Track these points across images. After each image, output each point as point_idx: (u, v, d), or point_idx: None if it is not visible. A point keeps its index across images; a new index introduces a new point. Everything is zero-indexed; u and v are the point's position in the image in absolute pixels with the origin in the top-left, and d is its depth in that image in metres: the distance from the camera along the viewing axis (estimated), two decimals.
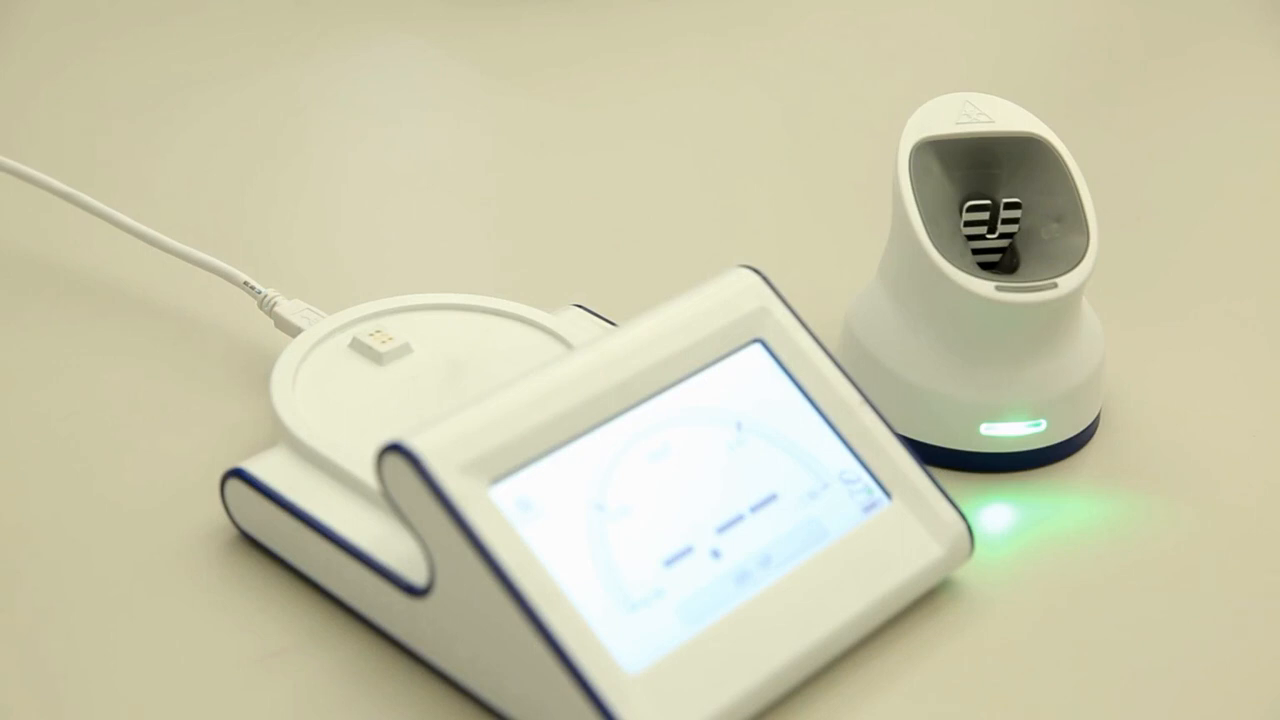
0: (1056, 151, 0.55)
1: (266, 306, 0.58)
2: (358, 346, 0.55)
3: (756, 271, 0.51)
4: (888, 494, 0.50)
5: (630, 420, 0.48)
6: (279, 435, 0.52)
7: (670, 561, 0.46)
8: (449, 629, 0.46)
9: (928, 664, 0.49)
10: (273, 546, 0.51)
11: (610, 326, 0.57)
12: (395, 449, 0.44)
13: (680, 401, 0.49)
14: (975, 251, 0.55)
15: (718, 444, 0.49)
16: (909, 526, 0.50)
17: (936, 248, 0.53)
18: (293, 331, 0.56)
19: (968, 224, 0.55)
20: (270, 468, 0.50)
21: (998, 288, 0.52)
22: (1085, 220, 0.54)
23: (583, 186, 0.71)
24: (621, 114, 0.77)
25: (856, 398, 0.51)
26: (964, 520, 0.50)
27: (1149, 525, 0.54)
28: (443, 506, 0.44)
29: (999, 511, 0.54)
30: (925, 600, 0.50)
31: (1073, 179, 0.55)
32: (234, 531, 0.51)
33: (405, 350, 0.55)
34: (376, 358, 0.54)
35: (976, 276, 0.53)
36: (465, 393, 0.53)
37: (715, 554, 0.47)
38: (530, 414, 0.46)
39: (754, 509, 0.48)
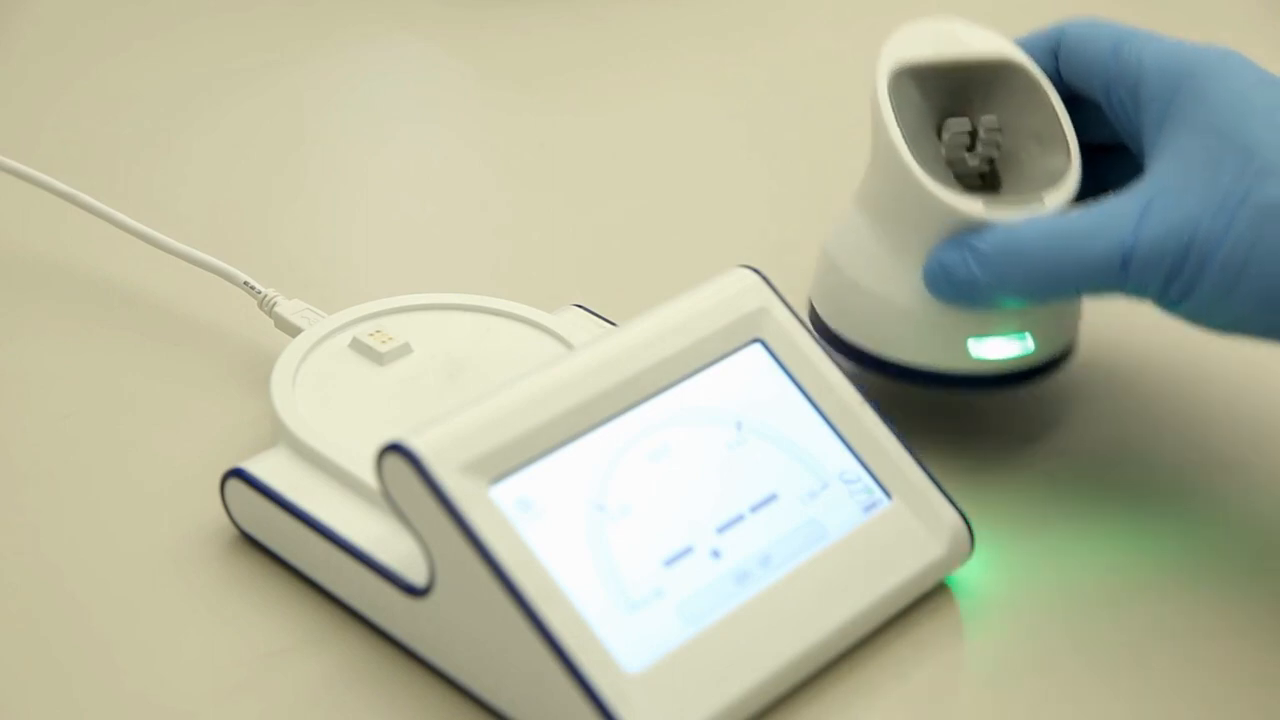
0: (1033, 75, 0.55)
1: (266, 306, 0.58)
2: (358, 346, 0.55)
3: (756, 271, 0.51)
4: (888, 494, 0.50)
5: (630, 420, 0.48)
6: (279, 435, 0.52)
7: (670, 561, 0.46)
8: (449, 629, 0.46)
9: (927, 664, 0.49)
10: (273, 546, 0.51)
11: (610, 326, 0.57)
12: (395, 449, 0.44)
13: (680, 401, 0.49)
14: (955, 176, 0.54)
15: (718, 444, 0.49)
16: (909, 526, 0.50)
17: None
18: (293, 331, 0.56)
19: (947, 147, 0.54)
20: (270, 468, 0.50)
21: (987, 205, 0.52)
22: (1065, 139, 0.54)
23: (582, 186, 0.71)
24: (621, 114, 0.77)
25: (857, 398, 0.51)
26: (964, 520, 0.50)
27: (1149, 525, 0.54)
28: (443, 506, 0.44)
29: (999, 511, 0.54)
30: (925, 600, 0.50)
31: (1050, 100, 0.54)
32: (234, 531, 0.51)
33: (405, 350, 0.55)
34: (376, 358, 0.54)
35: (959, 195, 0.52)
36: (465, 393, 0.53)
37: (715, 554, 0.47)
38: (530, 414, 0.46)
39: (754, 509, 0.48)
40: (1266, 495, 0.55)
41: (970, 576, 0.51)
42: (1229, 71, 0.51)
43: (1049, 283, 0.51)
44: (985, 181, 0.55)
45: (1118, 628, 0.50)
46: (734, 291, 0.51)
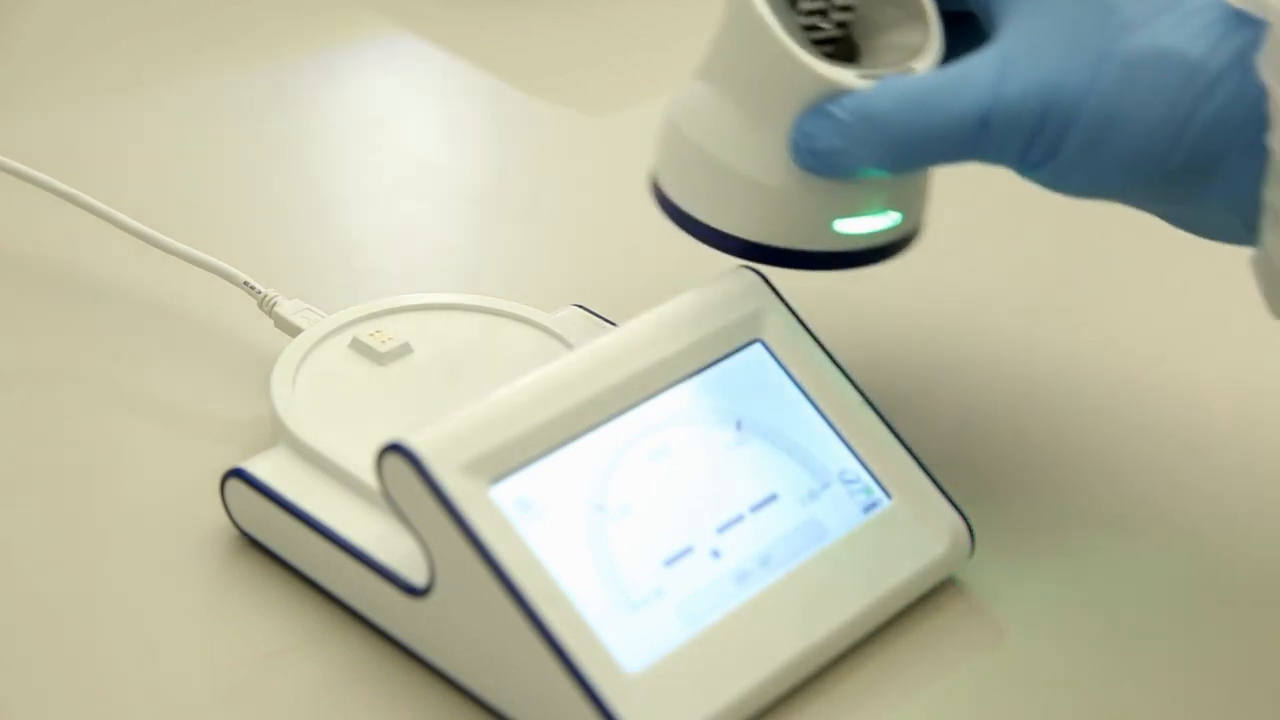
0: None
1: (266, 306, 0.58)
2: (358, 346, 0.55)
3: (757, 272, 0.51)
4: (888, 494, 0.50)
5: (630, 420, 0.48)
6: (279, 435, 0.52)
7: (670, 561, 0.46)
8: (449, 629, 0.46)
9: (927, 664, 0.49)
10: (273, 546, 0.50)
11: (610, 326, 0.57)
12: (395, 449, 0.44)
13: (680, 401, 0.49)
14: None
15: (718, 444, 0.49)
16: (909, 526, 0.50)
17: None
18: (293, 331, 0.56)
19: (803, 15, 0.51)
20: (270, 468, 0.50)
21: (860, 75, 0.50)
22: (921, 3, 0.51)
23: (583, 186, 0.71)
24: (622, 113, 0.77)
25: (856, 398, 0.51)
26: (964, 520, 0.50)
27: (1151, 523, 0.54)
28: (443, 506, 0.44)
29: (999, 511, 0.54)
30: (925, 600, 0.50)
31: None
32: (234, 531, 0.51)
33: (405, 350, 0.55)
34: (376, 358, 0.54)
35: (831, 65, 0.50)
36: (465, 393, 0.52)
37: (715, 554, 0.47)
38: (530, 414, 0.46)
39: (754, 509, 0.48)
40: (1270, 493, 0.55)
41: (970, 576, 0.51)
42: None
43: (910, 148, 0.49)
44: (841, 51, 0.52)
45: (1118, 626, 0.50)
46: (734, 292, 0.51)
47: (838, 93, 0.50)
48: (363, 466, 0.48)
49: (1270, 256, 0.46)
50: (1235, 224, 0.48)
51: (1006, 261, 0.67)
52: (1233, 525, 0.54)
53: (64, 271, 0.63)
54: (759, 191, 0.51)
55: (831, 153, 0.50)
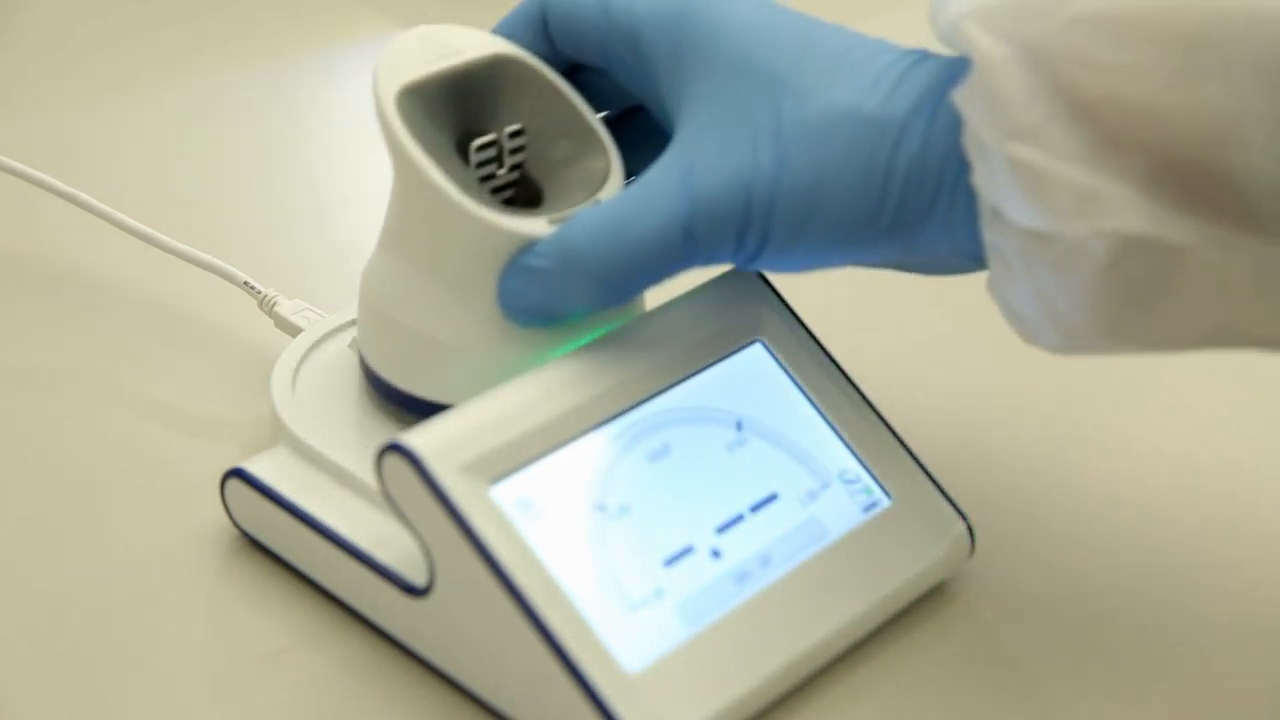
0: (530, 65, 0.50)
1: (266, 306, 0.58)
2: (358, 346, 0.55)
3: (756, 272, 0.51)
4: (888, 494, 0.50)
5: (630, 420, 0.48)
6: (279, 435, 0.52)
7: (670, 561, 0.46)
8: (449, 629, 0.46)
9: (927, 664, 0.49)
10: (273, 546, 0.50)
11: None
12: (395, 449, 0.44)
13: (680, 401, 0.49)
14: (493, 195, 0.49)
15: (718, 444, 0.49)
16: (909, 526, 0.50)
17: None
18: (293, 331, 0.56)
19: (477, 168, 0.49)
20: (270, 468, 0.50)
21: (551, 220, 0.47)
22: (591, 128, 0.49)
23: None
24: None
25: (857, 398, 0.51)
26: (964, 520, 0.50)
27: (1151, 525, 0.54)
28: (443, 506, 0.44)
29: (999, 511, 0.54)
30: (925, 600, 0.50)
31: (558, 89, 0.50)
32: (234, 531, 0.51)
33: None
34: None
35: (520, 218, 0.47)
36: None
37: (715, 554, 0.47)
38: (530, 414, 0.46)
39: (754, 509, 0.48)
40: (1272, 499, 0.55)
41: (970, 576, 0.51)
42: (725, 2, 0.47)
43: (619, 279, 0.47)
44: (524, 195, 0.50)
45: (1119, 627, 0.50)
46: (734, 291, 0.51)
47: (533, 243, 0.47)
48: (363, 466, 0.48)
49: (999, 292, 0.45)
50: (961, 260, 0.46)
51: None
52: (1234, 528, 0.54)
53: (64, 271, 0.63)
54: (494, 363, 0.49)
55: (543, 305, 0.47)
